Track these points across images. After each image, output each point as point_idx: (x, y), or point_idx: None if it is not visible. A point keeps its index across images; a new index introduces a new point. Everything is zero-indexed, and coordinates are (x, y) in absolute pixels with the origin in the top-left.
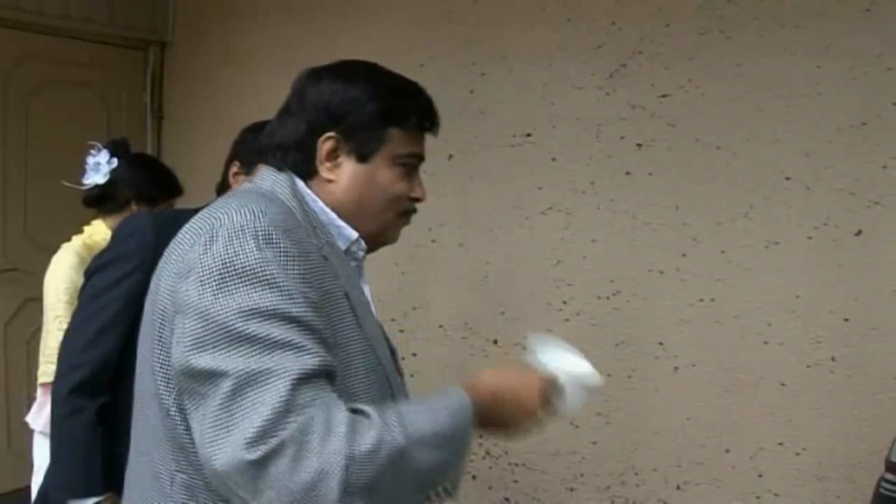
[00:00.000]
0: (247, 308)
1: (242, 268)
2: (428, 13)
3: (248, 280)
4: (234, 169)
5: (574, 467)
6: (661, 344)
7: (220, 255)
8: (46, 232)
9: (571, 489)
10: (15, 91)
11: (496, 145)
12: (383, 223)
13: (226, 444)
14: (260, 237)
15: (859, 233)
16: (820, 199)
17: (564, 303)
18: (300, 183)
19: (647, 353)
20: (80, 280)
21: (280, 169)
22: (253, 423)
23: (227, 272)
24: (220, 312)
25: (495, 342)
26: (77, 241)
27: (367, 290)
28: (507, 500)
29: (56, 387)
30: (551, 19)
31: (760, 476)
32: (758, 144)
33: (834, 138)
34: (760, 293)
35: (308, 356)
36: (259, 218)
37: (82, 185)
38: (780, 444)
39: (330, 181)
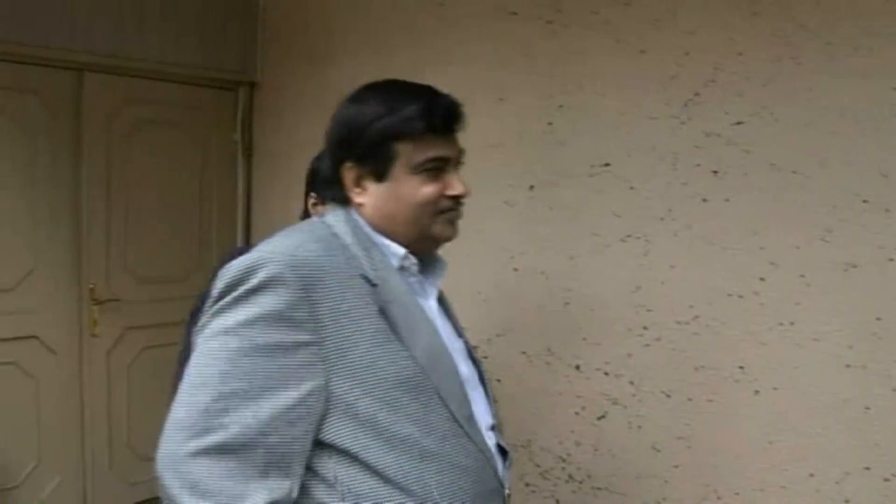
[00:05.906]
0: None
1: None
2: (505, 49)
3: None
4: (311, 200)
5: (656, 491)
6: (741, 368)
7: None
8: (145, 265)
9: None
10: (117, 132)
11: (575, 175)
12: (420, 228)
13: None
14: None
15: None
16: None
17: (645, 328)
18: (353, 212)
19: (727, 376)
20: None
21: (337, 202)
22: None
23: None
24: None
25: (577, 367)
26: None
27: (431, 303)
28: None
29: None
30: (625, 52)
31: (847, 501)
32: (832, 168)
33: None
34: (840, 316)
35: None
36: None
37: None
38: (867, 468)
39: (361, 205)
